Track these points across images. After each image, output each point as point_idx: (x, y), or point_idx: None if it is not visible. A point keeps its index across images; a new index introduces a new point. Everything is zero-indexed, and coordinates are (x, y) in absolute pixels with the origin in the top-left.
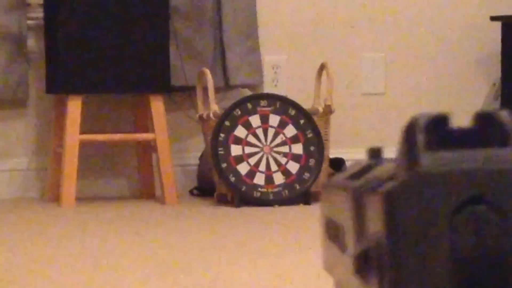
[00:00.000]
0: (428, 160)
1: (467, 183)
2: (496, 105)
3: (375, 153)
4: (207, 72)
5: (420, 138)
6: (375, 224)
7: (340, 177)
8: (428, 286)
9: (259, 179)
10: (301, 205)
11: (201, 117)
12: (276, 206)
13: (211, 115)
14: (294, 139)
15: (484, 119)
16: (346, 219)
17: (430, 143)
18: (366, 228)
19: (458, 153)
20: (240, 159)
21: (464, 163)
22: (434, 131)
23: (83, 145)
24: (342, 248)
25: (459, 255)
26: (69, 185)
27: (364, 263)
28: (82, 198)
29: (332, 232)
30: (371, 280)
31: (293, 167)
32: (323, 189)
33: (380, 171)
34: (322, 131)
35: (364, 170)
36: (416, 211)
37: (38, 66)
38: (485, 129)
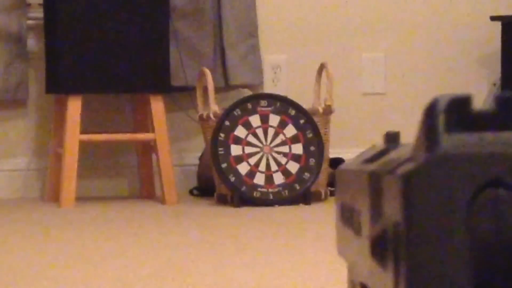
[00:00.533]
0: (448, 142)
1: (487, 166)
2: None
3: (392, 138)
4: (207, 72)
5: (441, 119)
6: (392, 206)
7: (355, 160)
8: (445, 270)
9: (259, 179)
10: (301, 205)
11: (201, 117)
12: (276, 206)
13: (211, 115)
14: (294, 139)
15: (505, 102)
16: (362, 202)
17: (450, 125)
18: (383, 210)
19: (479, 136)
20: (240, 159)
21: (485, 146)
22: (455, 113)
23: (83, 145)
24: (357, 232)
25: (478, 239)
26: (69, 185)
27: (380, 246)
28: (82, 198)
29: (347, 216)
30: (387, 262)
31: (293, 167)
32: (338, 173)
33: (398, 154)
34: (322, 131)
35: (380, 154)
36: (434, 193)
37: (38, 66)
38: (506, 112)
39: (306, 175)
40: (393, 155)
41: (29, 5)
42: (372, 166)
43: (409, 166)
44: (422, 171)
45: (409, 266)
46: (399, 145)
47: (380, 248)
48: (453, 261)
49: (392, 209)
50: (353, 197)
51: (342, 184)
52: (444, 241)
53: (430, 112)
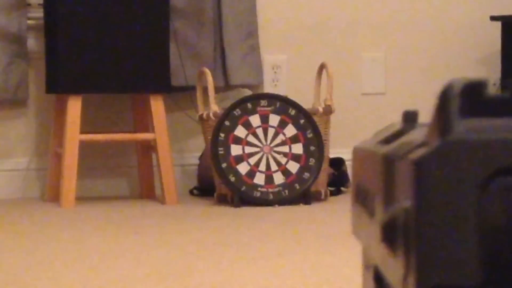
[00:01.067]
0: (461, 127)
1: (500, 152)
2: None
3: (410, 117)
4: (207, 72)
5: (455, 104)
6: (404, 191)
7: (371, 140)
8: (456, 256)
9: (259, 179)
10: (301, 205)
11: (201, 117)
12: (276, 206)
13: (211, 115)
14: (294, 139)
15: None
16: (375, 185)
17: (464, 110)
18: (395, 195)
19: (493, 121)
20: (240, 159)
21: (499, 132)
22: (470, 97)
23: (83, 145)
24: (371, 213)
25: (489, 225)
26: (69, 185)
27: (391, 231)
28: (82, 198)
29: (362, 196)
30: (397, 248)
31: (293, 167)
32: (354, 151)
33: (413, 136)
34: (322, 131)
35: (397, 134)
36: (446, 179)
37: (38, 66)
38: None
39: (306, 175)
40: (408, 137)
41: (29, 5)
42: (387, 149)
43: (421, 151)
44: (434, 157)
45: (419, 252)
46: (416, 126)
47: (391, 234)
48: (463, 247)
49: (404, 194)
50: (368, 178)
51: (358, 163)
52: (454, 227)
53: (444, 96)
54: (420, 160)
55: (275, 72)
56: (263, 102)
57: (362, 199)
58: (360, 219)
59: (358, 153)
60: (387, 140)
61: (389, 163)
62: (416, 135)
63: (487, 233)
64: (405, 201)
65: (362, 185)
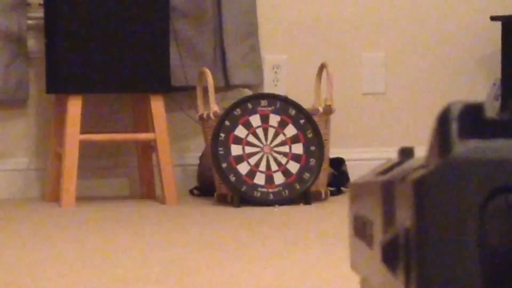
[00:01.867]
0: (460, 148)
1: (499, 172)
2: (496, 105)
3: (406, 153)
4: (207, 72)
5: (454, 126)
6: (404, 212)
7: (369, 174)
8: (457, 276)
9: (259, 179)
10: (301, 205)
11: (201, 117)
12: (276, 206)
13: (211, 115)
14: (294, 139)
15: None
16: (374, 212)
17: (463, 131)
18: (395, 217)
19: (491, 142)
20: (240, 159)
21: (497, 153)
22: (468, 119)
23: (83, 145)
24: (369, 244)
25: (489, 245)
26: (69, 185)
27: (392, 252)
28: (82, 198)
29: (360, 228)
30: (398, 269)
31: (293, 167)
32: (351, 187)
33: (411, 164)
34: (322, 131)
35: (395, 165)
36: (446, 199)
37: (38, 66)
38: None
39: (306, 175)
40: (406, 165)
41: (29, 5)
42: (386, 176)
43: (421, 172)
44: (435, 177)
45: (420, 273)
46: (413, 158)
47: (392, 255)
48: (464, 267)
49: (404, 215)
50: (366, 208)
51: (355, 197)
52: (455, 247)
53: (444, 118)
54: (420, 180)
55: (275, 72)
56: (263, 102)
57: (359, 231)
58: (358, 251)
59: (354, 187)
60: (386, 171)
61: (388, 187)
62: (414, 163)
63: (488, 252)
64: (405, 222)
65: (359, 217)
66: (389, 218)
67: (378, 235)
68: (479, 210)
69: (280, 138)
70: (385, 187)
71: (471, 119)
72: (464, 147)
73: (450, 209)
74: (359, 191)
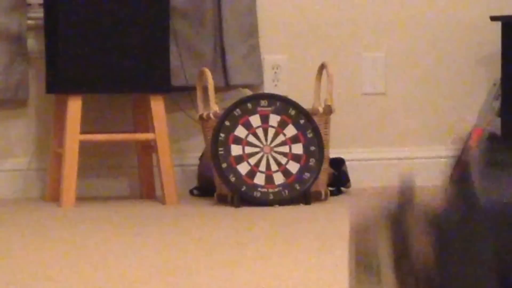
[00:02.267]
0: (482, 196)
1: None
2: (496, 105)
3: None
4: (207, 72)
5: (474, 176)
6: (424, 255)
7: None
8: None
9: (259, 179)
10: (301, 205)
11: (201, 117)
12: (276, 206)
13: (211, 115)
14: (294, 139)
15: None
16: (385, 252)
17: (483, 173)
18: (412, 258)
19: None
20: (240, 159)
21: None
22: (487, 158)
23: (83, 145)
24: (377, 283)
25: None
26: (69, 185)
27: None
28: (82, 198)
29: (366, 266)
30: None
31: (293, 167)
32: (353, 232)
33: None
34: (322, 131)
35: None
36: (468, 245)
37: (38, 66)
38: None
39: (306, 175)
40: (420, 209)
41: (29, 5)
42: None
43: (446, 218)
44: (457, 225)
45: None
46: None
47: None
48: None
49: (423, 258)
50: (375, 248)
51: (360, 239)
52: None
53: (464, 170)
54: (444, 227)
55: (275, 72)
56: (263, 102)
57: (366, 269)
58: None
59: (359, 230)
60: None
61: (402, 225)
62: (428, 207)
63: None
64: (424, 264)
65: (365, 257)
66: (405, 257)
67: (390, 275)
68: (497, 255)
69: (280, 138)
70: (399, 226)
71: (489, 154)
72: (485, 196)
73: (469, 253)
74: (365, 233)
